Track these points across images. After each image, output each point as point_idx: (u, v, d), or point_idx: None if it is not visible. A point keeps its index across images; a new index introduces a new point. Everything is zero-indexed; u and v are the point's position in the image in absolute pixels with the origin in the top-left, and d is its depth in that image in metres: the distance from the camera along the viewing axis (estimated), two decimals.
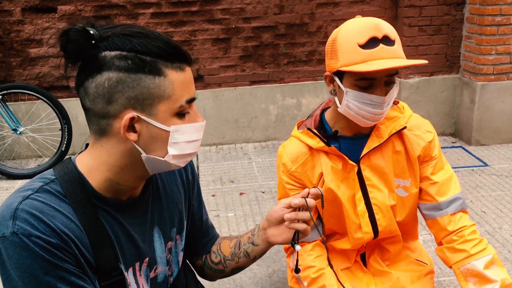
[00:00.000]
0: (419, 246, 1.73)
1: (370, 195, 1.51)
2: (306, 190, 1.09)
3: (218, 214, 3.30)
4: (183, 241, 1.21)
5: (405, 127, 1.47)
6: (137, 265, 1.06)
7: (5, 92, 3.96)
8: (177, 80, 0.93)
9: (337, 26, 1.45)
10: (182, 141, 0.96)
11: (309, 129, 1.51)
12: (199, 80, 4.50)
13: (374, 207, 1.51)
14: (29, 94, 4.07)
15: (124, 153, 0.96)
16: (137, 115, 0.92)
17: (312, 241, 1.57)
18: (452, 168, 1.68)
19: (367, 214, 1.52)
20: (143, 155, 0.95)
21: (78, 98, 0.97)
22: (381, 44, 1.29)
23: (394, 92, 1.37)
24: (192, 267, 1.34)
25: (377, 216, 1.52)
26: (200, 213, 1.29)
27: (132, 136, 0.93)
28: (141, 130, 0.93)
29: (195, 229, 1.28)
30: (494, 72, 4.20)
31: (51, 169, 0.99)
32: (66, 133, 4.04)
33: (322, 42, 4.52)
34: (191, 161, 1.23)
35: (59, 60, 4.09)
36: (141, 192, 1.07)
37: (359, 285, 1.58)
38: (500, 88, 4.24)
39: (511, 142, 4.39)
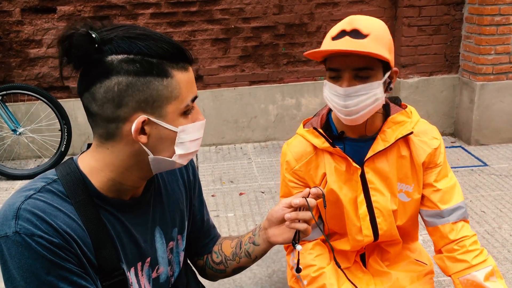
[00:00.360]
0: (419, 246, 1.72)
1: (373, 198, 1.50)
2: (307, 189, 1.09)
3: (217, 215, 3.30)
4: (184, 241, 1.21)
5: (411, 132, 1.46)
6: (139, 265, 1.06)
7: (4, 92, 3.95)
8: (183, 80, 0.95)
9: None
10: (187, 141, 0.98)
11: (315, 128, 1.50)
12: (199, 80, 4.50)
13: (375, 211, 1.51)
14: (28, 95, 4.07)
15: (132, 155, 0.96)
16: (148, 118, 0.92)
17: (313, 240, 1.57)
18: (452, 168, 1.68)
19: (368, 217, 1.51)
20: (150, 156, 0.96)
21: (78, 99, 0.96)
22: (346, 36, 1.32)
23: (366, 88, 1.34)
24: (193, 267, 1.34)
25: (378, 220, 1.51)
26: (201, 213, 1.29)
27: (143, 139, 0.94)
28: (150, 132, 0.94)
29: (196, 229, 1.28)
30: (494, 72, 4.20)
31: (53, 169, 0.99)
32: (66, 134, 4.04)
33: (321, 42, 4.51)
34: (192, 161, 1.24)
35: (58, 61, 4.09)
36: (143, 192, 1.07)
37: (359, 285, 1.58)
38: (500, 88, 4.24)
39: (511, 142, 4.39)
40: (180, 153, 0.98)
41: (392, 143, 1.45)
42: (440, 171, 1.50)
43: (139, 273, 1.06)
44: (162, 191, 1.14)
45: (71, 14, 4.22)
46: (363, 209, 1.51)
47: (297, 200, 1.07)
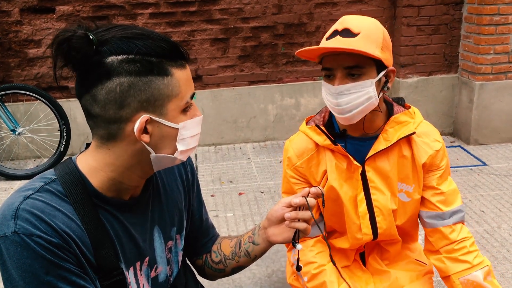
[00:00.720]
0: (418, 246, 1.73)
1: (373, 197, 1.50)
2: (307, 189, 1.09)
3: (217, 214, 3.30)
4: (183, 241, 1.21)
5: (413, 133, 1.46)
6: (137, 264, 1.06)
7: (3, 92, 3.95)
8: (182, 77, 0.96)
9: None
10: (187, 136, 0.99)
11: (317, 125, 1.51)
12: (198, 80, 4.50)
13: (375, 210, 1.51)
14: (27, 95, 4.07)
15: (133, 154, 0.97)
16: (150, 117, 0.93)
17: (314, 237, 1.57)
18: (451, 167, 1.69)
19: (368, 216, 1.52)
20: (153, 154, 0.97)
21: (77, 99, 0.96)
22: (338, 36, 1.36)
23: (357, 87, 1.35)
24: (192, 267, 1.34)
25: (377, 219, 1.52)
26: (200, 213, 1.29)
27: (145, 138, 0.94)
28: (153, 130, 0.95)
29: (195, 228, 1.28)
30: (493, 72, 4.21)
31: (52, 169, 0.99)
32: (65, 134, 4.04)
33: (320, 42, 4.52)
34: (191, 161, 1.24)
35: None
36: (142, 191, 1.07)
37: (358, 284, 1.58)
38: (499, 87, 4.25)
39: (510, 142, 4.40)
40: (182, 149, 0.99)
41: (394, 143, 1.46)
42: (443, 174, 1.51)
43: (138, 272, 1.06)
44: (161, 191, 1.14)
45: (70, 14, 4.22)
46: (363, 207, 1.51)
47: (297, 199, 1.08)
